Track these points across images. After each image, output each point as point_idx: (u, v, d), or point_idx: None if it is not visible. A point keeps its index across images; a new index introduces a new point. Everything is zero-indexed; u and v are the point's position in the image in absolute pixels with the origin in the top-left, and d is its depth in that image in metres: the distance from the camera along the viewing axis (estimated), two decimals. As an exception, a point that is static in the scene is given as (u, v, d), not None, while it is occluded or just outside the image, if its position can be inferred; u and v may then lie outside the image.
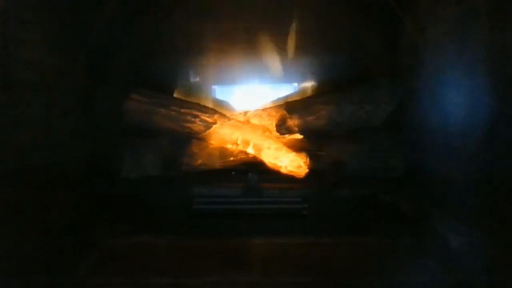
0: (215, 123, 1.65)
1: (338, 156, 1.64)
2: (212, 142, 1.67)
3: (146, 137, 1.70)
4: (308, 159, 1.57)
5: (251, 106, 1.84)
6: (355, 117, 1.67)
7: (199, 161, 1.65)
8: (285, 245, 1.39)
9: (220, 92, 1.91)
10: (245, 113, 1.78)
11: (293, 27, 1.83)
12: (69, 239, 1.38)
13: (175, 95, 1.83)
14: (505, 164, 1.13)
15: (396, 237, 1.42)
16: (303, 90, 1.87)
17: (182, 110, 1.66)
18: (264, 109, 1.78)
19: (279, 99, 1.85)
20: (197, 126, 1.65)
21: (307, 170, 1.57)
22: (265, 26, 1.82)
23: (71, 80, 1.58)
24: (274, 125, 1.69)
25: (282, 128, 1.68)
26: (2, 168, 1.21)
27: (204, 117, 1.65)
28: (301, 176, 1.58)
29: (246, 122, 1.72)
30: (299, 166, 1.57)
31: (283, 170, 1.59)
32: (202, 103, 1.77)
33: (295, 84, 1.90)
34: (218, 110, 1.74)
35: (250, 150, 1.64)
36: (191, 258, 1.32)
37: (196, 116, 1.65)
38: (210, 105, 1.77)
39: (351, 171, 1.62)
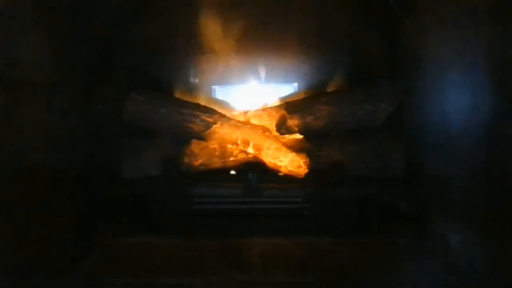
0: (215, 123, 1.65)
1: (338, 156, 1.64)
2: (212, 142, 1.67)
3: (146, 137, 1.70)
4: (308, 159, 1.57)
5: (251, 106, 1.84)
6: (355, 117, 1.67)
7: (199, 161, 1.65)
8: (285, 245, 1.39)
9: (220, 92, 1.91)
10: (245, 113, 1.78)
11: (293, 27, 1.83)
12: (69, 239, 1.38)
13: (175, 95, 1.83)
14: (505, 164, 1.13)
15: (396, 237, 1.42)
16: (303, 90, 1.87)
17: (182, 110, 1.66)
18: (264, 109, 1.78)
19: (279, 99, 1.85)
20: (197, 126, 1.65)
21: (307, 170, 1.57)
22: (265, 26, 1.82)
23: (71, 80, 1.58)
24: (274, 125, 1.69)
25: (282, 128, 1.68)
26: (2, 168, 1.21)
27: (204, 117, 1.65)
28: (301, 176, 1.57)
29: (246, 122, 1.72)
30: (299, 166, 1.57)
31: (283, 170, 1.59)
32: (202, 103, 1.77)
33: (295, 84, 1.90)
34: (218, 110, 1.74)
35: (250, 150, 1.64)
36: (191, 258, 1.32)
37: (196, 116, 1.65)
38: (210, 105, 1.77)
39: (351, 171, 1.62)
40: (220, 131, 1.65)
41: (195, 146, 1.67)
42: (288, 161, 1.57)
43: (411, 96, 1.65)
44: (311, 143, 1.67)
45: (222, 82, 1.90)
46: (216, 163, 1.67)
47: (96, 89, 1.71)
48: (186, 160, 1.64)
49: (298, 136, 1.70)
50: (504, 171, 1.14)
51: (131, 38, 1.81)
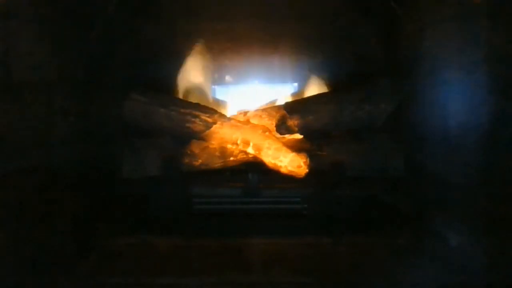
0: (215, 123, 1.65)
1: (338, 156, 1.64)
2: (212, 142, 1.67)
3: (146, 137, 1.70)
4: (308, 159, 1.57)
5: (251, 106, 1.84)
6: (355, 117, 1.67)
7: (199, 161, 1.65)
8: (285, 245, 1.39)
9: (220, 92, 1.91)
10: (245, 113, 1.78)
11: (293, 27, 1.83)
12: (69, 239, 1.38)
13: (175, 95, 1.83)
14: (505, 164, 1.13)
15: (396, 237, 1.42)
16: (303, 90, 1.87)
17: (182, 110, 1.66)
18: (264, 109, 1.78)
19: (279, 99, 1.85)
20: (197, 126, 1.65)
21: (307, 170, 1.57)
22: (265, 26, 1.82)
23: (71, 80, 1.58)
24: (274, 125, 1.69)
25: (282, 128, 1.68)
26: (2, 168, 1.21)
27: (204, 117, 1.65)
28: (301, 176, 1.57)
29: (246, 122, 1.72)
30: (299, 166, 1.57)
31: (283, 170, 1.59)
32: (202, 103, 1.77)
33: (295, 84, 1.90)
34: (218, 110, 1.74)
35: (250, 150, 1.64)
36: (191, 258, 1.32)
37: (196, 116, 1.65)
38: (210, 105, 1.77)
39: (351, 171, 1.62)
40: (220, 131, 1.65)
41: (195, 146, 1.67)
42: (288, 161, 1.57)
43: (411, 96, 1.65)
44: (311, 143, 1.67)
45: (222, 82, 1.90)
46: (216, 163, 1.67)
47: (96, 89, 1.72)
48: (186, 160, 1.64)
49: (298, 136, 1.70)
50: (504, 171, 1.14)
51: (132, 38, 1.81)
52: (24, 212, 1.28)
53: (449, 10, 1.37)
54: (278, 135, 1.68)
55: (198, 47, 1.84)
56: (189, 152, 1.65)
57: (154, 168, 1.64)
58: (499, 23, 1.15)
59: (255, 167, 1.64)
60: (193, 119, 1.65)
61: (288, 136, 1.69)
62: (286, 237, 1.43)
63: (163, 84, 1.81)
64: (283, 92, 1.88)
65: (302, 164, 1.57)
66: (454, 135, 1.35)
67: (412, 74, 1.63)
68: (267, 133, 1.65)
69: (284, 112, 1.68)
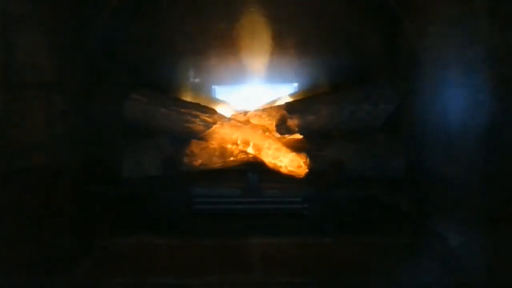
0: (215, 123, 1.65)
1: (338, 156, 1.64)
2: (212, 142, 1.67)
3: (146, 137, 1.70)
4: (308, 159, 1.57)
5: (251, 106, 1.84)
6: (355, 117, 1.67)
7: (199, 161, 1.65)
8: (285, 245, 1.39)
9: (220, 92, 1.91)
10: (245, 113, 1.78)
11: (293, 27, 1.83)
12: (69, 239, 1.38)
13: (175, 95, 1.83)
14: (505, 164, 1.13)
15: (396, 237, 1.42)
16: (303, 90, 1.87)
17: (182, 110, 1.66)
18: (264, 109, 1.78)
19: (279, 99, 1.85)
20: (197, 126, 1.65)
21: (307, 170, 1.57)
22: (265, 26, 1.82)
23: (71, 80, 1.58)
24: (274, 125, 1.69)
25: (282, 128, 1.68)
26: (2, 168, 1.21)
27: (204, 117, 1.65)
28: (301, 176, 1.58)
29: (246, 122, 1.72)
30: (299, 166, 1.57)
31: (283, 170, 1.59)
32: (202, 103, 1.77)
33: (295, 84, 1.90)
34: (218, 110, 1.74)
35: (250, 150, 1.64)
36: (191, 258, 1.32)
37: (196, 116, 1.65)
38: (210, 105, 1.77)
39: (351, 171, 1.62)
40: (220, 131, 1.65)
41: (195, 146, 1.67)
42: (288, 161, 1.57)
43: (411, 96, 1.65)
44: (311, 143, 1.67)
45: (222, 82, 1.90)
46: (216, 163, 1.67)
47: (96, 89, 1.72)
48: (186, 160, 1.64)
49: (298, 136, 1.70)
50: (504, 171, 1.14)
51: (131, 38, 1.81)
52: (24, 212, 1.28)
53: (449, 10, 1.37)
54: (278, 135, 1.68)
55: (198, 47, 1.84)
56: (189, 152, 1.65)
57: (154, 168, 1.64)
58: (499, 23, 1.15)
59: (255, 167, 1.64)
60: (193, 119, 1.65)
61: (288, 136, 1.69)
62: (286, 237, 1.43)
63: (163, 84, 1.81)
64: (283, 92, 1.88)
65: (302, 164, 1.57)
66: (454, 135, 1.35)
67: (412, 74, 1.63)
68: (267, 133, 1.65)
69: (284, 112, 1.68)
